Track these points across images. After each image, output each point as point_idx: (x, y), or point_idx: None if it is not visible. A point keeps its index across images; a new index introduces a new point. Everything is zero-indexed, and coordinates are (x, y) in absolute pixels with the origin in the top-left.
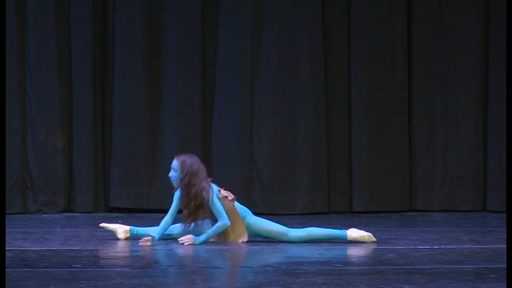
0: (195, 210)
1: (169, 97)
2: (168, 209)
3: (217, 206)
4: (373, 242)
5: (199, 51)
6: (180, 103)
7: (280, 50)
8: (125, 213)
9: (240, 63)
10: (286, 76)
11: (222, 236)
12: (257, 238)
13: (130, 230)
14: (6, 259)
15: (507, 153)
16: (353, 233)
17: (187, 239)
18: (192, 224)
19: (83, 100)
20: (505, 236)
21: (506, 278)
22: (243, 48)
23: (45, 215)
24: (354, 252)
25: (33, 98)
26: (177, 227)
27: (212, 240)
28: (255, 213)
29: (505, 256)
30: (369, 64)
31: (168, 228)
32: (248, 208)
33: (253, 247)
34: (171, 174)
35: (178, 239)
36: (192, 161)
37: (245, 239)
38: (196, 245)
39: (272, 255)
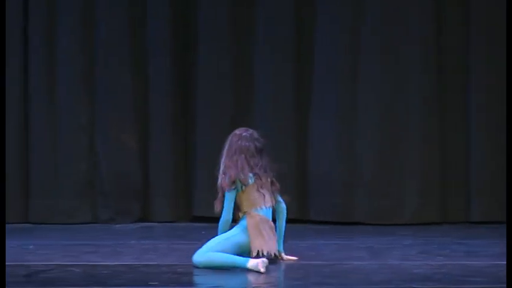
0: None
1: (260, 92)
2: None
3: None
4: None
5: (293, 41)
6: (274, 99)
7: (385, 40)
8: (211, 223)
9: (339, 55)
10: (392, 69)
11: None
12: None
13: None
14: (75, 274)
15: (507, 154)
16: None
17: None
18: None
19: (162, 92)
20: None
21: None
22: (342, 39)
23: (117, 225)
24: (467, 267)
25: (103, 90)
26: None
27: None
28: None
29: None
30: (492, 54)
31: None
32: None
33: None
34: None
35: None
36: None
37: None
38: None
39: (373, 272)
